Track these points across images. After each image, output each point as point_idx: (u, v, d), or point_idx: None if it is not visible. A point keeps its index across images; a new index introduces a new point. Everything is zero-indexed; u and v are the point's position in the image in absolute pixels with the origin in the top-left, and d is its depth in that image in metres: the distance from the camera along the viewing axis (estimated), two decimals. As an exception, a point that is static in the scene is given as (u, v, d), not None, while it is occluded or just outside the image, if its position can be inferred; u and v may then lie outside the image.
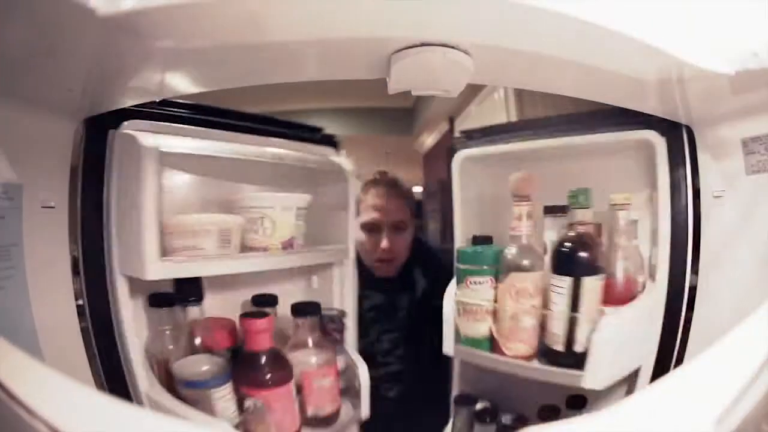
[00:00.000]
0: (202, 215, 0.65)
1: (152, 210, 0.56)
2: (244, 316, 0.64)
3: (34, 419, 0.22)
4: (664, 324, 0.68)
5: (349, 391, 0.78)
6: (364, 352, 0.93)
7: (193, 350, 0.63)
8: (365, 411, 0.77)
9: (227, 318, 0.70)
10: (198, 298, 0.66)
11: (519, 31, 0.44)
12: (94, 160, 0.62)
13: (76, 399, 0.25)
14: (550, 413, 0.72)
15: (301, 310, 0.71)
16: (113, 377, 0.62)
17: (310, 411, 0.69)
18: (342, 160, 0.86)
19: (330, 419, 0.72)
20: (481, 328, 0.71)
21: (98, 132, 0.61)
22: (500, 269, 0.70)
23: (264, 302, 0.74)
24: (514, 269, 0.67)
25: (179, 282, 0.65)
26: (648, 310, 0.66)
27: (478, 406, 0.84)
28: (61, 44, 0.41)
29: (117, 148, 0.60)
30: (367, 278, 1.10)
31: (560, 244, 0.66)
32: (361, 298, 1.05)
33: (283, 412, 0.62)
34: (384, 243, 1.07)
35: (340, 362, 0.77)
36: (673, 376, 0.26)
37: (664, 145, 0.66)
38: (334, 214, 0.84)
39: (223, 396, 0.60)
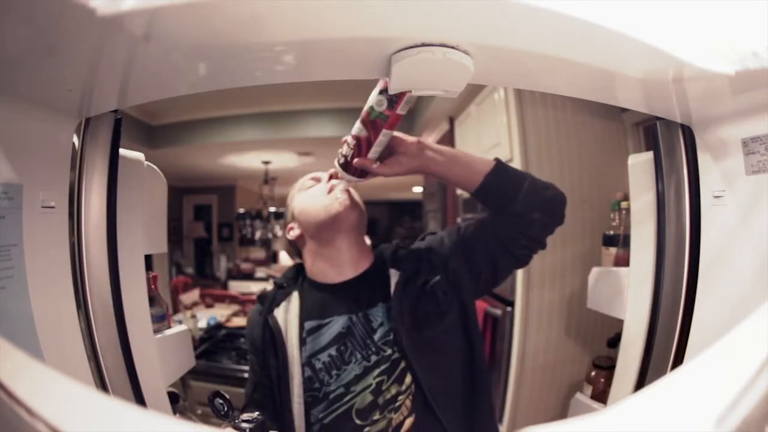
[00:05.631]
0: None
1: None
2: None
3: (34, 419, 0.22)
4: (664, 324, 0.68)
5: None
6: (324, 419, 0.73)
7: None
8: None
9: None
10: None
11: (519, 31, 0.44)
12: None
13: (76, 399, 0.25)
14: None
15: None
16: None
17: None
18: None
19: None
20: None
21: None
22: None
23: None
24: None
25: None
26: (618, 278, 0.81)
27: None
28: (61, 44, 0.41)
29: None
30: (317, 299, 0.79)
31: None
32: (308, 336, 0.77)
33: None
34: (337, 185, 0.79)
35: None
36: (673, 376, 0.26)
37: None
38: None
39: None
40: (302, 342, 0.76)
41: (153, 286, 0.78)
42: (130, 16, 0.34)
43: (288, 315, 0.79)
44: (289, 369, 0.76)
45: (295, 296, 0.81)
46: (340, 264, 0.80)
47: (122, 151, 0.68)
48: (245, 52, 0.47)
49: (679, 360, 0.67)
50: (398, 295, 0.76)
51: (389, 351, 0.74)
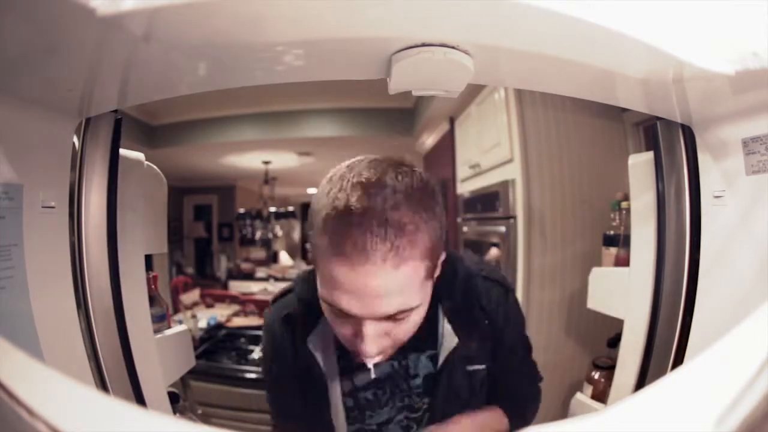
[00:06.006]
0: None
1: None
2: None
3: (34, 419, 0.22)
4: (664, 324, 0.68)
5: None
6: None
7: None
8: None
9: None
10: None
11: (519, 31, 0.44)
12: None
13: (76, 399, 0.25)
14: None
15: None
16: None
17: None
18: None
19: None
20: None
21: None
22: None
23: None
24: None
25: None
26: (619, 278, 0.81)
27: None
28: (61, 44, 0.41)
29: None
30: None
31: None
32: (349, 373, 0.67)
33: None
34: (366, 347, 0.53)
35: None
36: (673, 376, 0.26)
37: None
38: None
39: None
40: (341, 376, 0.68)
41: (153, 286, 0.78)
42: (130, 16, 0.34)
43: (326, 346, 0.67)
44: (331, 403, 0.68)
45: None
46: None
47: (122, 151, 0.68)
48: (245, 52, 0.47)
49: (679, 360, 0.67)
50: (449, 363, 0.66)
51: (420, 402, 0.69)
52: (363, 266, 0.47)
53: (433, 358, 0.67)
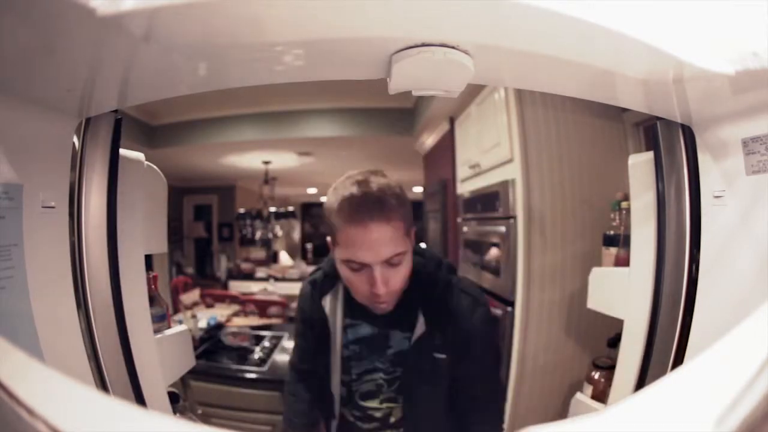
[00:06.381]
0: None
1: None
2: None
3: (34, 419, 0.22)
4: (664, 324, 0.68)
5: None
6: (342, 390, 0.97)
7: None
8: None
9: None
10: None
11: (519, 31, 0.44)
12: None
13: (76, 399, 0.25)
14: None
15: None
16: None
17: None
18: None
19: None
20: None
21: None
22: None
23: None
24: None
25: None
26: (619, 278, 0.80)
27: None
28: (61, 44, 0.41)
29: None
30: (355, 304, 0.91)
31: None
32: (347, 327, 0.95)
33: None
34: (378, 287, 0.80)
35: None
36: (673, 376, 0.26)
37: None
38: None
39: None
40: (344, 329, 0.95)
41: (153, 286, 0.78)
42: (130, 16, 0.34)
43: (337, 306, 0.96)
44: (333, 347, 0.95)
45: (340, 290, 0.96)
46: None
47: (122, 151, 0.68)
48: (245, 52, 0.47)
49: (679, 360, 0.67)
50: (416, 346, 0.89)
51: (392, 369, 0.93)
52: (368, 225, 0.76)
53: (409, 340, 0.90)
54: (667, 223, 0.68)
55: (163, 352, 0.75)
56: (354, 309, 0.94)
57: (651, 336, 0.70)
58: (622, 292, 0.77)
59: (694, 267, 0.66)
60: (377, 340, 0.93)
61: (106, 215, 0.64)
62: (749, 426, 0.22)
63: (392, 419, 0.95)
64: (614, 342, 0.84)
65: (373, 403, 0.95)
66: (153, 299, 0.77)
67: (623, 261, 0.84)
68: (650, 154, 0.70)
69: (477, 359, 0.89)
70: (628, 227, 0.80)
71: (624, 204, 0.86)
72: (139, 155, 0.73)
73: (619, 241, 0.88)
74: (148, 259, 0.75)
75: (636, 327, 0.72)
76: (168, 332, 0.79)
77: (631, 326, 0.74)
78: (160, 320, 0.79)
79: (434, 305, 0.89)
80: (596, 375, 0.87)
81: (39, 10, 0.35)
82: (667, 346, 0.68)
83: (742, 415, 0.22)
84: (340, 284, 0.95)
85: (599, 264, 0.92)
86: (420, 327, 0.89)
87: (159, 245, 0.79)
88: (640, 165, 0.73)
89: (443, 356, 0.88)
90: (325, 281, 0.98)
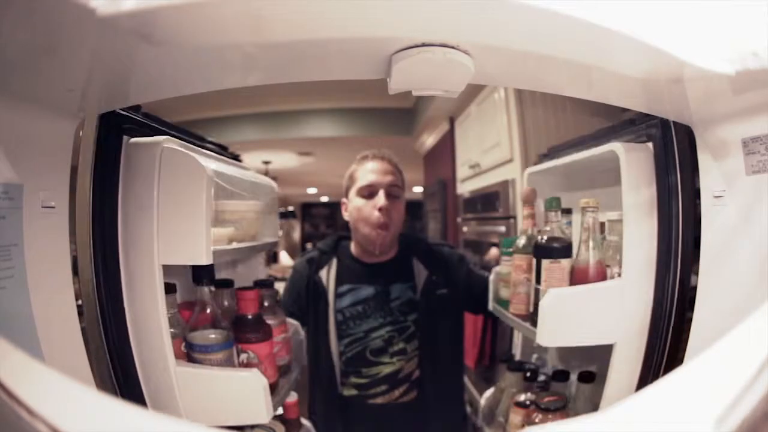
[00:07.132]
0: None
1: (206, 214, 0.64)
2: (239, 289, 0.78)
3: (34, 419, 0.22)
4: (664, 324, 0.68)
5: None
6: (348, 352, 1.13)
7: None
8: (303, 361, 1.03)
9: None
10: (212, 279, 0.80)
11: (519, 31, 0.44)
12: (108, 161, 0.63)
13: (76, 399, 0.25)
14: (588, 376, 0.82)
15: (260, 283, 0.89)
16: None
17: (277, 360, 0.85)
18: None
19: (286, 369, 0.90)
20: (505, 292, 0.97)
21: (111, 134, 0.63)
22: (515, 251, 0.91)
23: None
24: (518, 251, 0.90)
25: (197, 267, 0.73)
26: (607, 294, 0.70)
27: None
28: (61, 44, 0.41)
29: (164, 161, 0.64)
30: (352, 270, 1.17)
31: (537, 234, 0.84)
32: (348, 291, 1.14)
33: (268, 361, 0.77)
34: (381, 201, 1.09)
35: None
36: (673, 376, 0.26)
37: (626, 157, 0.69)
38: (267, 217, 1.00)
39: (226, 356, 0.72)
40: (337, 296, 1.14)
41: (260, 303, 0.80)
42: (130, 16, 0.34)
43: (329, 276, 1.16)
44: (329, 314, 1.13)
45: (334, 263, 1.18)
46: (371, 253, 1.15)
47: (135, 139, 0.65)
48: (245, 52, 0.47)
49: (679, 360, 0.67)
50: (425, 289, 1.14)
51: (402, 318, 1.13)
52: (378, 162, 1.14)
53: (413, 288, 1.16)
54: (666, 223, 0.68)
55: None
56: (353, 274, 1.16)
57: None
58: (604, 312, 0.68)
59: (694, 267, 0.66)
60: (379, 297, 1.14)
61: (106, 215, 0.64)
62: (749, 426, 0.22)
63: (401, 375, 1.11)
64: (586, 378, 0.81)
65: (384, 358, 1.11)
66: (259, 319, 0.77)
67: (582, 275, 0.72)
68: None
69: (467, 272, 1.19)
70: (596, 232, 0.72)
71: (589, 205, 0.73)
72: (157, 139, 0.64)
73: (571, 251, 0.74)
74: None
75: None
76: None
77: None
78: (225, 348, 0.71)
79: (426, 255, 1.18)
80: (537, 418, 0.80)
81: (39, 10, 0.35)
82: (666, 346, 0.68)
83: (742, 415, 0.22)
84: (334, 258, 1.18)
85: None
86: (422, 273, 1.16)
87: (197, 255, 0.65)
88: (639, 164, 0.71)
89: (445, 291, 1.15)
90: (322, 257, 1.19)
